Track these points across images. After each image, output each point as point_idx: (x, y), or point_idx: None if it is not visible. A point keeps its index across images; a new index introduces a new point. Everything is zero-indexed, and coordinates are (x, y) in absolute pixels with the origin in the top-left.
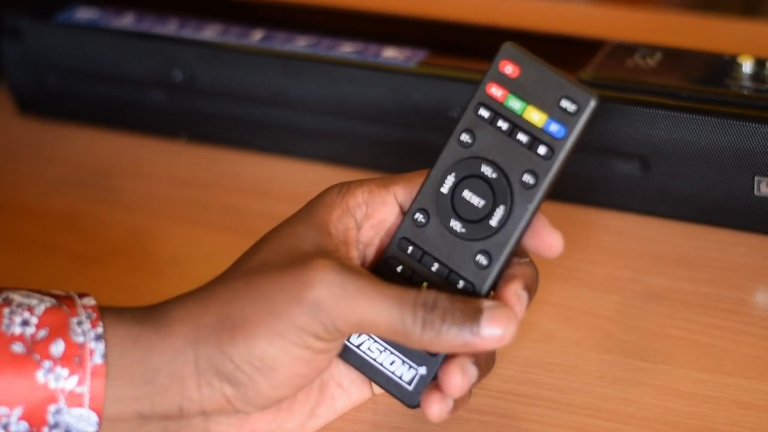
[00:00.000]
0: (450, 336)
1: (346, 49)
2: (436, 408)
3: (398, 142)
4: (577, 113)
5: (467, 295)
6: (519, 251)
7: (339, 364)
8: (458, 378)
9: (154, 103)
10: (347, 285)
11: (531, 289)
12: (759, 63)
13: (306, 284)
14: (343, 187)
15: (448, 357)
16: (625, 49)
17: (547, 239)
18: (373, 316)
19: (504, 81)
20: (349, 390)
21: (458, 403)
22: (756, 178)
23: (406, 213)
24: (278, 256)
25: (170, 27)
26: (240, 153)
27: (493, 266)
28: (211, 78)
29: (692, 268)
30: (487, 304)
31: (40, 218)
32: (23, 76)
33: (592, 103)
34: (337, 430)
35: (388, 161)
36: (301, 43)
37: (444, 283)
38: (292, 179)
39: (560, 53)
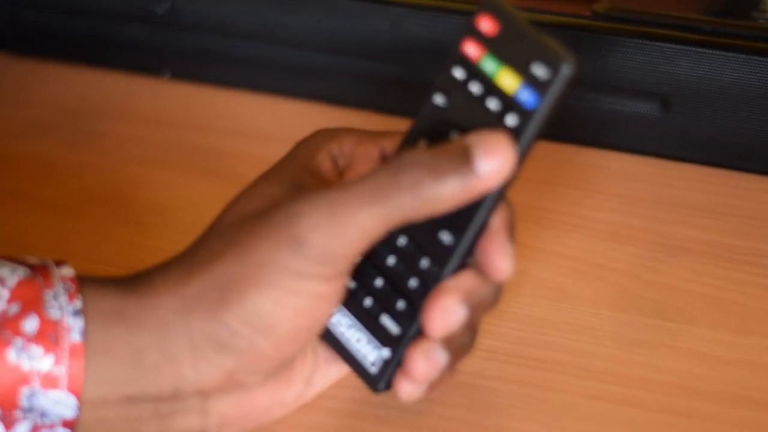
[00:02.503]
0: (447, 189)
1: None
2: (407, 387)
3: (396, 80)
4: (551, 81)
5: (440, 270)
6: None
7: None
8: (421, 364)
9: (134, 38)
10: (323, 207)
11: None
12: None
13: (287, 224)
14: (331, 132)
15: (415, 339)
16: None
17: (496, 261)
18: (363, 226)
19: (480, 38)
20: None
21: (435, 383)
22: None
23: None
24: (255, 204)
25: None
26: (227, 92)
27: (459, 244)
28: (195, 10)
29: (716, 217)
30: (470, 139)
31: (12, 164)
32: None
33: (566, 71)
34: (333, 398)
35: (386, 100)
36: None
37: (416, 251)
38: (284, 120)
39: None
